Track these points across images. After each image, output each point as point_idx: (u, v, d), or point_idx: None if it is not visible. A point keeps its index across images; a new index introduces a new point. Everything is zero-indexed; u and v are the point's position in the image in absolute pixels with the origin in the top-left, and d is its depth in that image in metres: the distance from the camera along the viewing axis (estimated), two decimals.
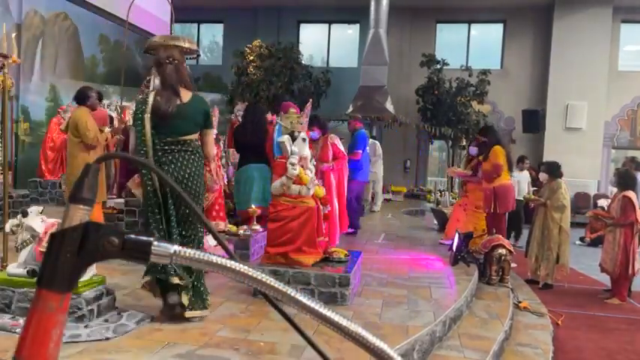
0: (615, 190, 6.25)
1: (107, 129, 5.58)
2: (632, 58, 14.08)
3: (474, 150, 6.92)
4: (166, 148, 3.28)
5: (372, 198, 10.40)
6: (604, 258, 6.05)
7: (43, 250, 2.16)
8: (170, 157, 3.28)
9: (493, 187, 6.24)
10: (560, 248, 6.16)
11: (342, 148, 6.64)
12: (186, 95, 3.35)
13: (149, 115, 3.26)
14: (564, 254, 6.17)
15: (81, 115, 5.24)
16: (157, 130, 3.27)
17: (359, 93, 12.53)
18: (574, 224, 9.45)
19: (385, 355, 0.57)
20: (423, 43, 14.54)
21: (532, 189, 8.77)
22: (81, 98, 5.43)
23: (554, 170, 6.46)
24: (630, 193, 5.88)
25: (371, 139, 10.31)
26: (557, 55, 13.65)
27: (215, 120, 5.77)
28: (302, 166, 4.38)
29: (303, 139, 4.49)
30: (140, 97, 4.06)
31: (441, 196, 11.46)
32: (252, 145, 5.88)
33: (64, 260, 0.58)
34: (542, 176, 6.62)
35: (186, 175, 3.31)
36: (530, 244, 6.57)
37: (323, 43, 15.70)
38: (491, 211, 6.25)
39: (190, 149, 3.33)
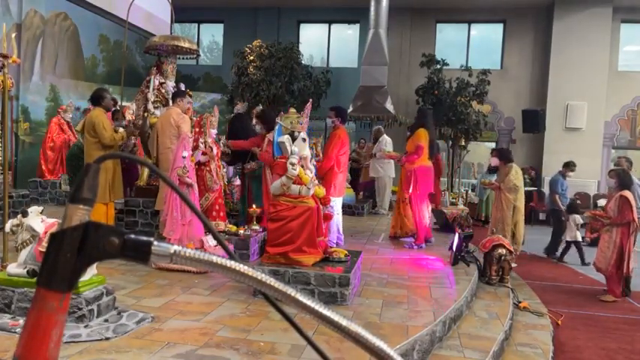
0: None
1: (121, 129, 5.63)
2: (632, 58, 14.06)
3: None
4: None
5: (373, 199, 10.34)
6: (598, 257, 6.11)
7: (43, 250, 2.16)
8: None
9: (414, 168, 6.50)
10: (517, 226, 6.49)
11: (319, 151, 6.56)
12: None
13: None
14: (519, 232, 6.52)
15: (97, 116, 5.37)
16: None
17: (359, 93, 12.51)
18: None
19: (385, 355, 0.57)
20: (423, 43, 14.53)
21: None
22: (96, 99, 5.59)
23: (504, 155, 6.89)
24: (627, 193, 5.90)
25: (383, 135, 10.41)
26: (557, 55, 13.63)
27: (215, 120, 5.79)
28: (302, 166, 4.38)
29: (303, 139, 4.49)
30: None
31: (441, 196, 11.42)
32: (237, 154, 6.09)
33: (64, 260, 0.58)
34: (494, 161, 7.01)
35: None
36: (491, 225, 6.82)
37: (323, 43, 15.69)
38: (411, 192, 6.52)
39: None
